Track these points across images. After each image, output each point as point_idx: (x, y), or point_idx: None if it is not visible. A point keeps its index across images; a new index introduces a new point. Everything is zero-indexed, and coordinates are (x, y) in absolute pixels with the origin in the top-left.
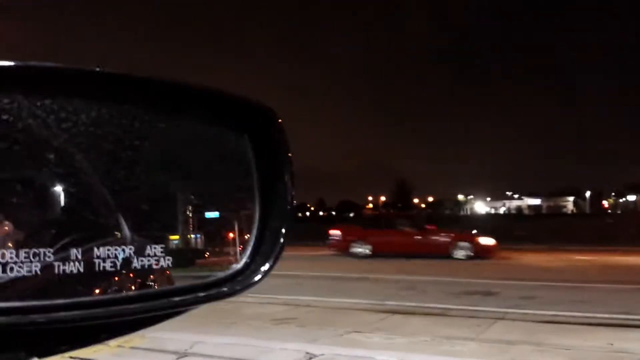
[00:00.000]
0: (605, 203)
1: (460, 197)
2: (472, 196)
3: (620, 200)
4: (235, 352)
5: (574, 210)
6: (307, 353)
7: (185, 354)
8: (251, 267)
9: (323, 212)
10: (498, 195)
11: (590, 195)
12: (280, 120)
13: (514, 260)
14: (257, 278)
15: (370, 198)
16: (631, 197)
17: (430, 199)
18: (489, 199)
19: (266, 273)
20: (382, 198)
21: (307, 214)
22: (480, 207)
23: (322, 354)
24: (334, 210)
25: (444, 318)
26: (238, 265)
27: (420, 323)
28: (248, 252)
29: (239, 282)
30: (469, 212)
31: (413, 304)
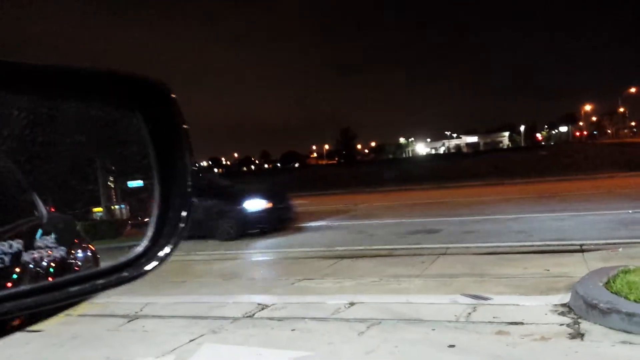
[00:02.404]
0: (538, 136)
1: (402, 140)
2: (412, 139)
3: (553, 132)
4: (187, 309)
5: (509, 145)
6: (259, 304)
7: (136, 317)
8: (154, 249)
9: (268, 164)
10: (438, 136)
11: (525, 129)
12: (173, 95)
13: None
14: (159, 260)
15: (314, 147)
16: (563, 128)
17: (373, 144)
18: (429, 140)
19: (169, 255)
20: (326, 147)
21: (252, 167)
22: (421, 148)
23: (274, 304)
24: (278, 162)
25: (390, 258)
26: (140, 249)
27: (368, 265)
28: (150, 234)
29: (141, 265)
30: (410, 155)
31: (361, 247)
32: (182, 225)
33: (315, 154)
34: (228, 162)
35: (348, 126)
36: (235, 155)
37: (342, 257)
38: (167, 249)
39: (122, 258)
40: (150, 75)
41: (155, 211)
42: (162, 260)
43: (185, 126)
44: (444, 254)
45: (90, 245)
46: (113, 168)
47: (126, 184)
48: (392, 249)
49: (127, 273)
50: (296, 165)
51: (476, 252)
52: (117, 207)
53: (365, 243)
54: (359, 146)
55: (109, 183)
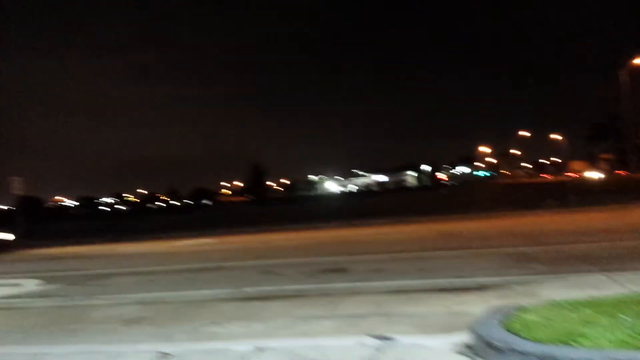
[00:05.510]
0: (440, 175)
1: (312, 177)
2: (323, 176)
3: (452, 171)
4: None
5: (418, 184)
6: (160, 352)
7: None
8: None
9: (178, 201)
10: (347, 174)
11: (431, 169)
12: None
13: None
14: None
15: (224, 184)
16: (460, 168)
17: (284, 181)
18: (339, 177)
19: None
20: (236, 183)
21: (159, 204)
22: (332, 185)
23: (177, 352)
24: (187, 199)
25: (300, 299)
26: None
27: (277, 306)
28: None
29: None
30: (321, 192)
31: (270, 288)
32: None
33: (226, 190)
34: (137, 200)
35: (258, 163)
36: (140, 191)
37: (250, 299)
38: None
39: None
40: None
41: None
42: None
43: None
44: (352, 293)
45: None
46: None
47: None
48: (301, 289)
49: None
50: (206, 202)
51: (383, 290)
52: None
53: (275, 283)
54: (269, 182)
55: None
